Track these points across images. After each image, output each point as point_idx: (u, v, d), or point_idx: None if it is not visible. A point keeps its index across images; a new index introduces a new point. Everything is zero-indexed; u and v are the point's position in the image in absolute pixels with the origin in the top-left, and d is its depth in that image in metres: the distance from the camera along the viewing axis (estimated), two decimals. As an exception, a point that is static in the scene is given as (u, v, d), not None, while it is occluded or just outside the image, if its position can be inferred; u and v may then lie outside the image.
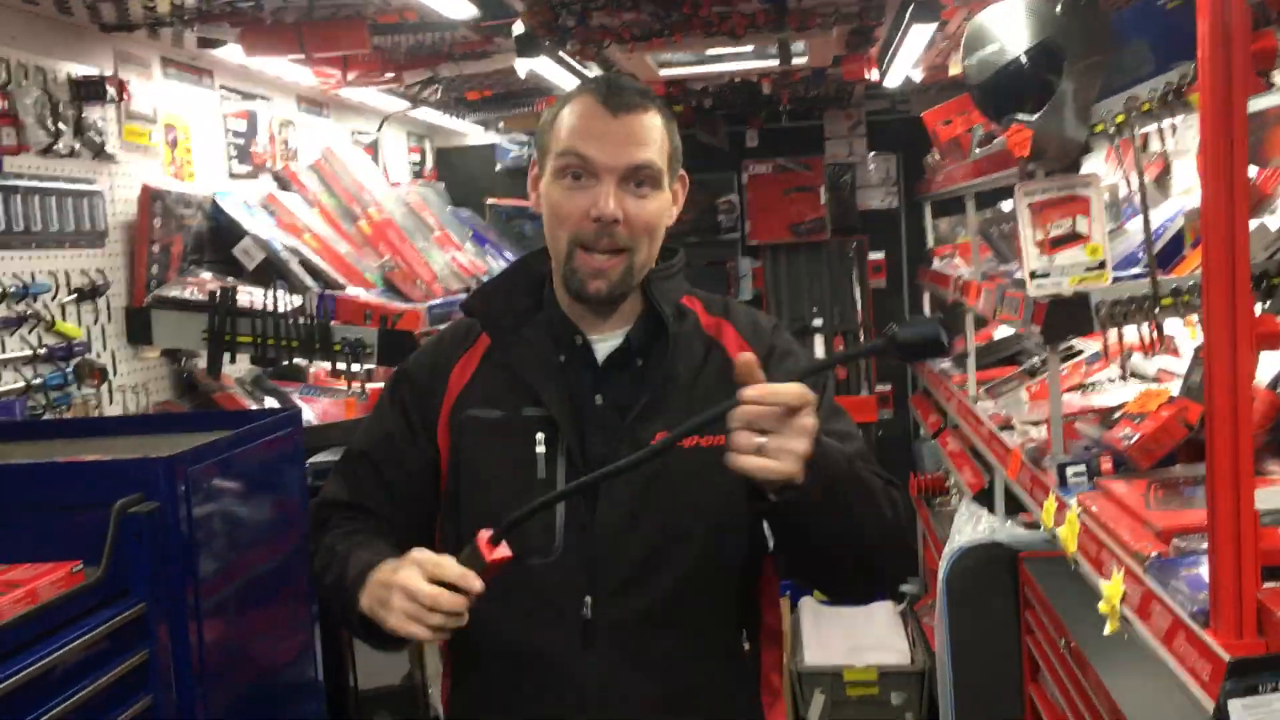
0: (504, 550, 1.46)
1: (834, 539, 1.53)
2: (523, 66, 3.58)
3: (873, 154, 5.88)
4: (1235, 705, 1.38)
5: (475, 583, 1.45)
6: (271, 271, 3.37)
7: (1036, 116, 2.41)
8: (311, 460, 2.76)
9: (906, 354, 1.42)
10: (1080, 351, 3.51)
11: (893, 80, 4.56)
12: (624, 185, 1.62)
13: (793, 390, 1.38)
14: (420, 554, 1.49)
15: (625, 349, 1.70)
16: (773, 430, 1.37)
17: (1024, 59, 2.42)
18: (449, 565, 1.46)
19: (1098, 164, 3.48)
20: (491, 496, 1.66)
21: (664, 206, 1.68)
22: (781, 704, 1.82)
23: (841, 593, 1.71)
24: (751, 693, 1.77)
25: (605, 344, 1.71)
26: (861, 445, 1.68)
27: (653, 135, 1.64)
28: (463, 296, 3.82)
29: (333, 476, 1.83)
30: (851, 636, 5.07)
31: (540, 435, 1.65)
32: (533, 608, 1.63)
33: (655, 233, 1.67)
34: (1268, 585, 1.47)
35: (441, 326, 3.49)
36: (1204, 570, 1.55)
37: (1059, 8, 2.40)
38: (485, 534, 1.47)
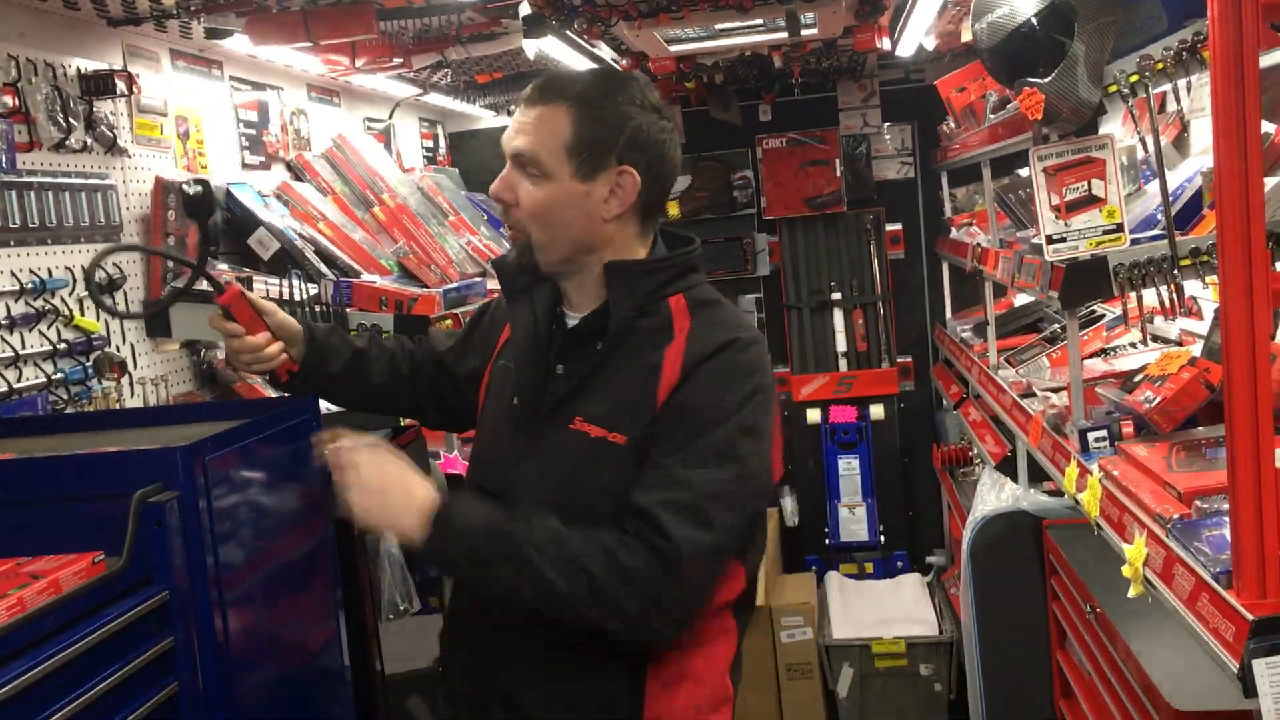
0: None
1: (501, 596, 1.75)
2: (531, 47, 3.56)
3: (887, 124, 5.82)
4: (1259, 665, 1.38)
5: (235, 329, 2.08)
6: (287, 261, 3.38)
7: (1049, 79, 2.38)
8: (332, 447, 2.77)
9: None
10: (1101, 316, 3.48)
11: (905, 49, 4.52)
12: (519, 171, 1.79)
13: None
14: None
15: (578, 330, 1.86)
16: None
17: (1034, 21, 2.40)
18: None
19: (1114, 126, 3.45)
20: (481, 433, 2.01)
21: (554, 196, 1.76)
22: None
23: None
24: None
25: (570, 321, 1.88)
26: (707, 490, 1.64)
27: (544, 126, 1.75)
28: (479, 280, 3.84)
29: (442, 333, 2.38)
30: (879, 609, 5.07)
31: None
32: None
33: (545, 220, 1.78)
34: (1291, 544, 1.46)
35: (458, 310, 3.50)
36: (1226, 531, 1.54)
37: (1069, -32, 2.37)
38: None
